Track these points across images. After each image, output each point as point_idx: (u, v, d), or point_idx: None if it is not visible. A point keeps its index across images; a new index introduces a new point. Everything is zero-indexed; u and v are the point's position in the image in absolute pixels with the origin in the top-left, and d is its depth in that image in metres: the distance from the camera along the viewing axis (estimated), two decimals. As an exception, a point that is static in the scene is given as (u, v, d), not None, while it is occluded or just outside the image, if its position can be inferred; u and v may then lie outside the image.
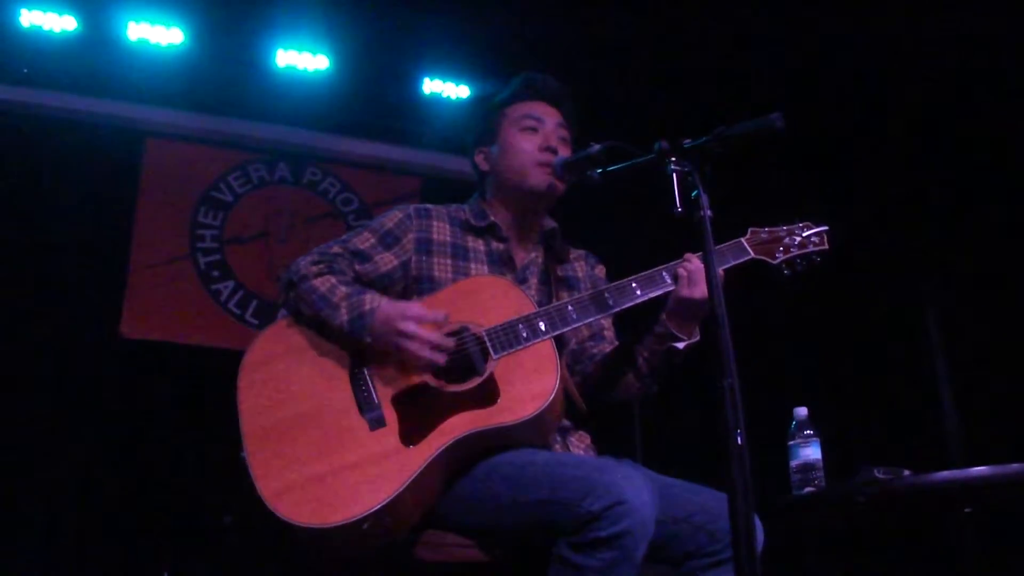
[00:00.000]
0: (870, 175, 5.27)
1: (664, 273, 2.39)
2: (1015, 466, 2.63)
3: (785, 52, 4.98)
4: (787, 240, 2.47)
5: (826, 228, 2.49)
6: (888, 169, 5.20)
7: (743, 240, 2.46)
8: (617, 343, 2.62)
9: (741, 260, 2.43)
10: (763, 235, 2.47)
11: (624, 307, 2.37)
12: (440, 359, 2.20)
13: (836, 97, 5.13)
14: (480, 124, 2.69)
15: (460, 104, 5.45)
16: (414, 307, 2.24)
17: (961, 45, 4.62)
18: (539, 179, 2.52)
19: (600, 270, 2.73)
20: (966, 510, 3.09)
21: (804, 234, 2.48)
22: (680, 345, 2.39)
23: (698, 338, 2.41)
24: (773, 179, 5.42)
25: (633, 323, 2.50)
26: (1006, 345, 4.71)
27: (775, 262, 2.46)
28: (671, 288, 2.37)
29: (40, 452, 4.44)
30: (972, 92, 4.80)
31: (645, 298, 2.38)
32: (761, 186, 5.44)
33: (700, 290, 2.31)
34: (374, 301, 2.25)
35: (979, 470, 2.67)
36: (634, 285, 2.38)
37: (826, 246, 2.49)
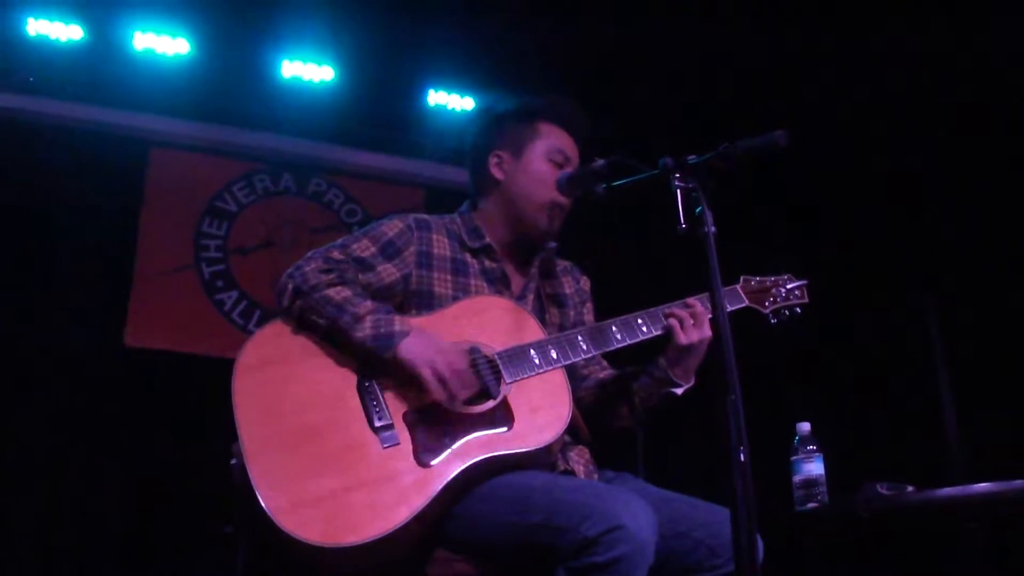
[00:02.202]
0: (873, 186, 5.26)
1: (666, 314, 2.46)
2: (1019, 483, 2.62)
3: (788, 64, 4.99)
4: (774, 291, 2.61)
5: (805, 282, 2.65)
6: (891, 180, 5.20)
7: (738, 287, 2.58)
8: (609, 369, 2.65)
9: (737, 307, 2.56)
10: (753, 283, 2.61)
11: (628, 344, 2.44)
12: (447, 399, 2.22)
13: (839, 106, 5.13)
14: (504, 127, 2.63)
15: (464, 116, 5.45)
16: (446, 346, 2.25)
17: (961, 46, 4.63)
18: (550, 224, 2.55)
19: (585, 283, 2.76)
20: (969, 526, 3.08)
21: (788, 287, 2.63)
22: (678, 391, 2.46)
23: (694, 382, 2.48)
24: (775, 188, 5.42)
25: (629, 358, 2.55)
26: (1010, 360, 4.70)
27: (765, 311, 2.60)
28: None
29: (42, 459, 4.44)
30: (972, 95, 4.80)
31: (649, 336, 2.45)
32: (763, 197, 5.44)
33: (703, 331, 2.40)
34: (404, 323, 2.26)
35: (983, 487, 2.66)
36: (640, 322, 2.44)
37: (806, 300, 2.64)
